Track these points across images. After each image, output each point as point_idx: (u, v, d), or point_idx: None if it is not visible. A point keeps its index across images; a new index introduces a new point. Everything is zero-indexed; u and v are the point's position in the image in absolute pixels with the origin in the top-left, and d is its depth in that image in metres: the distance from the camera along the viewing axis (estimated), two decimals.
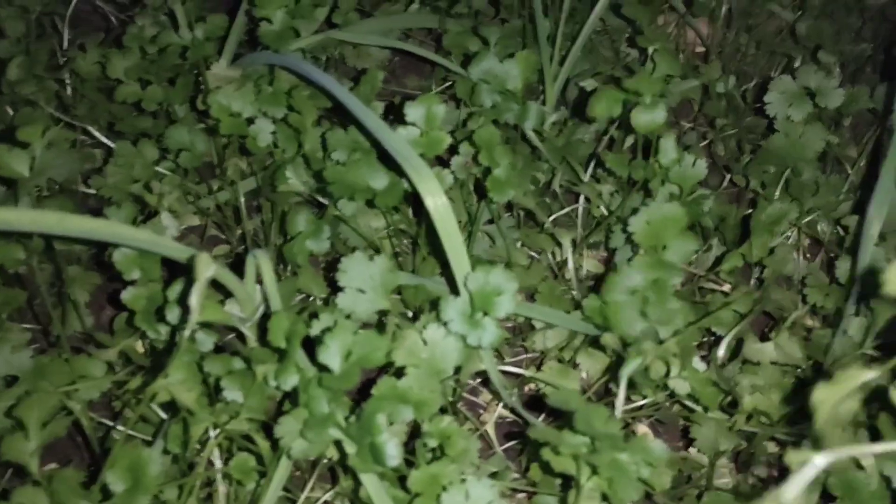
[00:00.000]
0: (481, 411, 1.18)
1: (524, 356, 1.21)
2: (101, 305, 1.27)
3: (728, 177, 1.41)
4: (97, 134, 1.29)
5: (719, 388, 0.90)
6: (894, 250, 1.12)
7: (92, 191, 1.28)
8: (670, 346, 0.88)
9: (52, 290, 1.19)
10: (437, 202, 0.87)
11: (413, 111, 0.98)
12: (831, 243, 1.26)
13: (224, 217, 1.30)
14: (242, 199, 1.23)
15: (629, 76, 1.08)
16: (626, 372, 0.83)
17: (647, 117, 0.99)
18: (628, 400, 1.10)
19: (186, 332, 0.74)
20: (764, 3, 1.63)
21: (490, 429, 1.14)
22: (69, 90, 1.37)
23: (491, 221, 1.23)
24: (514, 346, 1.23)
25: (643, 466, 0.76)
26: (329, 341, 0.76)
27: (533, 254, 1.29)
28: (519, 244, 1.29)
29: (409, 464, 0.90)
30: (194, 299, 0.72)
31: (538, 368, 1.11)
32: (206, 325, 0.92)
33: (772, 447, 1.08)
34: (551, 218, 1.31)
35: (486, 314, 0.87)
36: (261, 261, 0.91)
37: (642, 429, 1.12)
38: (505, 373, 1.14)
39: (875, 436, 0.88)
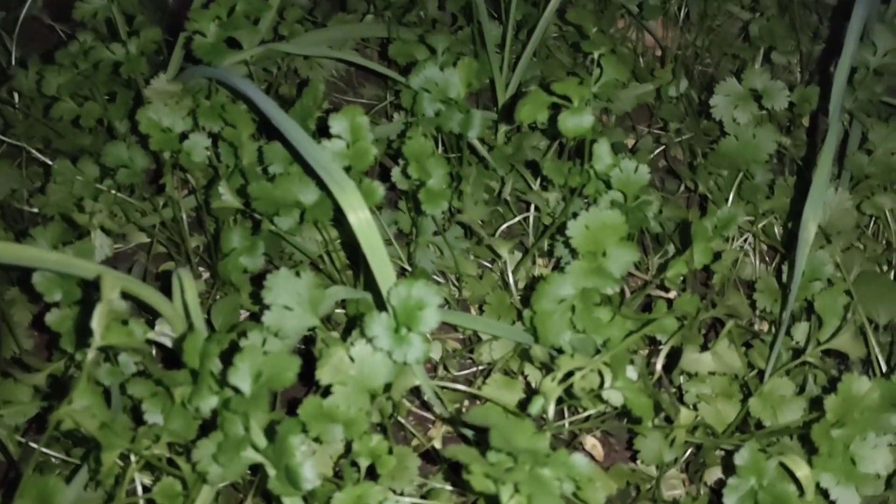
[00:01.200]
0: (430, 426, 1.16)
1: (473, 368, 1.19)
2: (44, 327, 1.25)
3: (684, 183, 1.39)
4: (34, 152, 1.27)
5: (654, 400, 0.88)
6: (840, 252, 1.10)
7: (36, 210, 1.27)
8: (600, 358, 0.86)
9: None
10: (359, 216, 0.85)
11: (337, 123, 0.96)
12: (787, 247, 1.24)
13: (170, 234, 1.28)
14: (184, 216, 1.21)
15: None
16: (548, 385, 0.81)
17: (574, 121, 0.97)
18: (575, 411, 1.08)
19: (90, 356, 0.72)
20: (721, 4, 1.62)
21: (438, 444, 1.12)
22: (15, 109, 1.36)
23: (437, 233, 1.21)
24: (464, 358, 1.21)
25: (566, 481, 0.73)
26: (239, 362, 0.74)
27: (486, 263, 1.27)
28: (472, 255, 1.27)
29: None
30: (96, 321, 0.70)
31: (485, 381, 1.09)
32: (129, 348, 0.90)
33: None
34: (504, 226, 1.29)
35: (410, 329, 0.84)
36: (184, 280, 0.89)
37: (590, 441, 1.10)
38: (450, 388, 1.12)
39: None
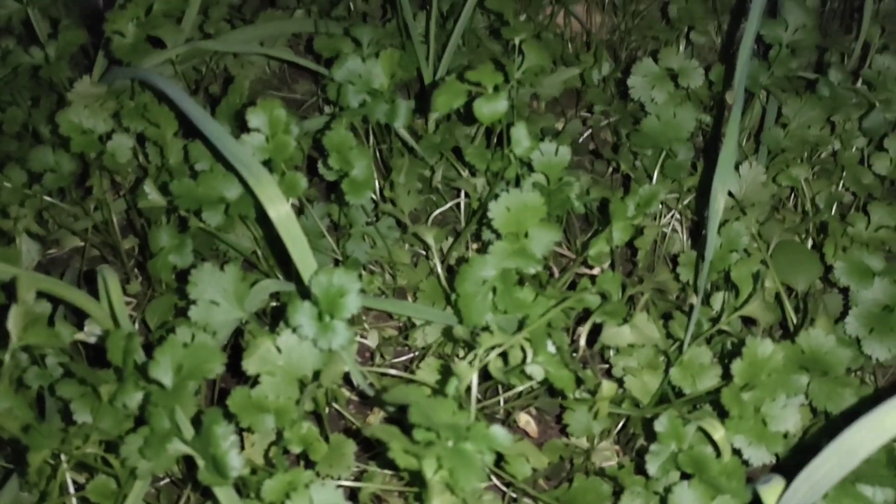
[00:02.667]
0: (369, 412, 1.18)
1: (410, 355, 1.21)
2: None
3: (612, 164, 1.42)
4: None
5: (574, 373, 0.91)
6: (757, 224, 1.13)
7: None
8: (522, 334, 0.88)
9: None
10: (278, 209, 0.86)
11: (255, 117, 0.97)
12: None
13: (104, 237, 1.27)
14: (114, 218, 1.21)
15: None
16: (462, 366, 0.83)
17: (490, 107, 0.99)
18: (508, 389, 1.11)
19: (7, 358, 0.72)
20: None
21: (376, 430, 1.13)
22: None
23: (369, 223, 1.23)
24: (400, 345, 1.22)
25: (487, 454, 0.76)
26: (159, 356, 0.75)
27: (420, 251, 1.29)
28: (407, 245, 1.29)
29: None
30: (11, 322, 0.70)
31: (418, 366, 1.11)
32: (56, 349, 0.90)
33: None
34: (436, 213, 1.31)
35: (332, 316, 0.86)
36: (108, 279, 0.90)
37: (524, 418, 1.12)
38: (386, 374, 1.14)
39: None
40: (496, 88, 0.99)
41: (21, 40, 1.27)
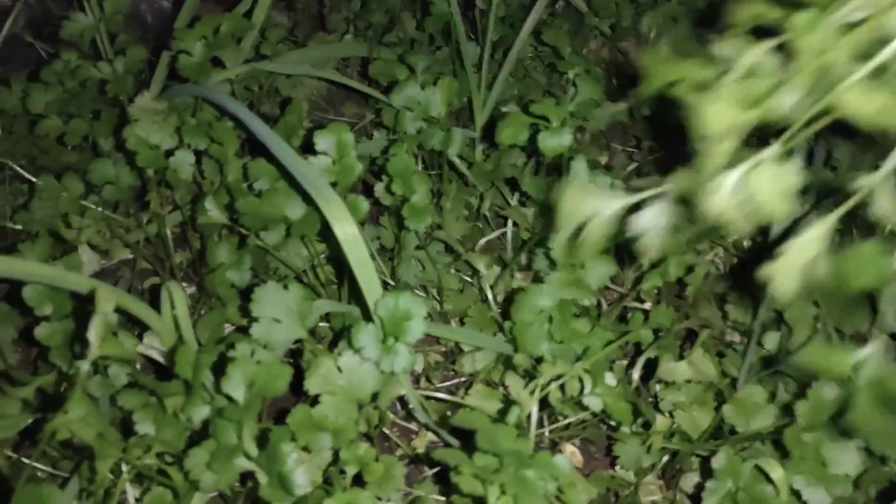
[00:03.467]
0: (413, 437, 1.18)
1: (456, 380, 1.22)
2: (32, 342, 1.26)
3: None
4: (18, 169, 1.28)
5: (633, 405, 0.91)
6: None
7: (19, 227, 1.28)
8: (580, 365, 0.89)
9: None
10: (346, 231, 0.87)
11: (323, 140, 0.99)
12: (757, 261, 1.28)
13: (154, 250, 1.29)
14: (169, 232, 1.22)
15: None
16: (524, 395, 0.84)
17: (553, 141, 1.01)
18: (555, 420, 1.11)
19: (85, 367, 0.73)
20: (692, 26, 1.66)
21: (422, 453, 1.14)
22: None
23: (419, 248, 1.24)
24: (447, 370, 1.23)
25: (550, 482, 0.76)
26: (232, 372, 0.76)
27: (466, 278, 1.30)
28: (453, 269, 1.30)
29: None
30: (92, 333, 0.71)
31: (467, 392, 1.12)
32: (119, 360, 0.91)
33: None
34: (483, 241, 1.32)
35: (397, 339, 0.87)
36: (174, 293, 0.91)
37: (569, 448, 1.12)
38: (434, 398, 1.14)
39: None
40: (560, 122, 1.00)
41: (81, 56, 1.30)
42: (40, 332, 0.95)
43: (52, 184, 1.20)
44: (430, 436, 1.15)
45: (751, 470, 0.88)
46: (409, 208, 1.04)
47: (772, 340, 1.06)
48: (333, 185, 0.97)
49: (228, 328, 1.21)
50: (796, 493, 0.87)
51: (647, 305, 1.14)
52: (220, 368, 0.84)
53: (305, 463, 0.83)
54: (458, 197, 1.31)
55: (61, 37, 1.18)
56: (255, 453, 0.80)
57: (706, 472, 1.04)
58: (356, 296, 0.93)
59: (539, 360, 0.99)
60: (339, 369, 0.89)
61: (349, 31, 1.62)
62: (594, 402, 0.90)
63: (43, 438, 0.75)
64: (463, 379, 1.21)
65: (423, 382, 1.21)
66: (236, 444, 0.77)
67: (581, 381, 0.91)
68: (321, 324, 1.19)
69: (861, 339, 1.16)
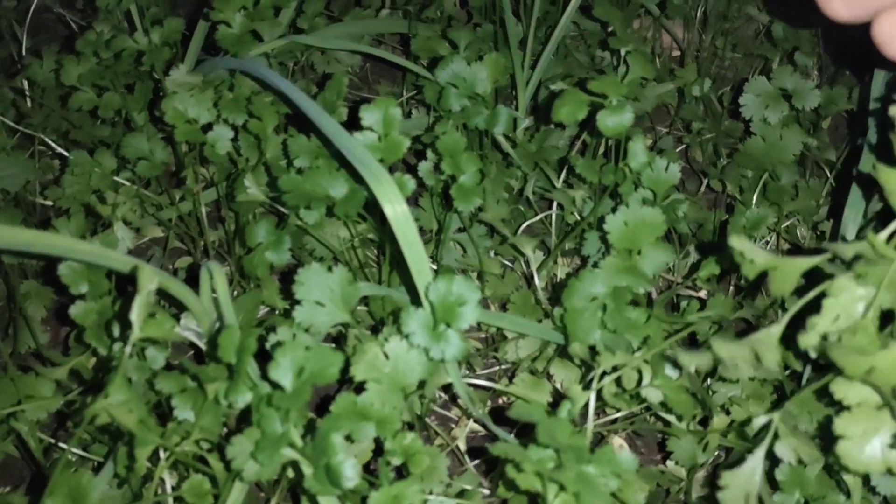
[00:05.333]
0: (453, 426, 1.14)
1: (497, 367, 1.18)
2: (63, 320, 1.23)
3: (706, 182, 1.38)
4: (51, 143, 1.24)
5: (694, 397, 0.87)
6: None
7: (49, 202, 1.24)
8: (640, 355, 0.84)
9: (7, 307, 1.15)
10: (396, 210, 0.83)
11: (369, 115, 0.95)
12: (810, 248, 1.23)
13: (187, 228, 1.25)
14: (203, 210, 1.19)
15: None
16: (576, 390, 0.80)
17: (614, 120, 0.95)
18: (604, 413, 1.07)
19: (127, 349, 0.70)
20: (741, 6, 1.61)
21: (462, 444, 1.10)
22: (28, 99, 1.33)
23: (461, 230, 1.19)
24: (487, 357, 1.19)
25: (611, 478, 0.72)
26: (280, 357, 0.72)
27: (507, 262, 1.26)
28: (492, 253, 1.25)
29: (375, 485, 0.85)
30: (135, 313, 0.68)
31: (510, 380, 1.07)
32: (157, 342, 0.88)
33: None
34: (525, 224, 1.27)
35: (448, 326, 0.83)
36: (214, 273, 0.87)
37: (618, 441, 1.08)
38: (476, 386, 1.10)
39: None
40: (621, 100, 0.95)
41: (114, 27, 1.26)
42: (75, 311, 0.91)
43: (85, 158, 1.17)
44: (471, 425, 1.11)
45: (817, 475, 0.83)
46: (458, 189, 1.00)
47: None
48: (380, 161, 0.93)
49: (263, 311, 1.17)
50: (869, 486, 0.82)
51: (703, 294, 1.10)
52: (259, 352, 0.81)
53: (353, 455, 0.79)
54: (498, 178, 1.26)
55: (97, 5, 1.14)
56: (300, 444, 0.76)
57: None
58: (404, 278, 0.89)
59: (592, 350, 0.94)
60: (386, 356, 0.84)
61: (385, 7, 1.57)
62: (653, 395, 0.86)
63: (82, 423, 0.72)
64: (504, 367, 1.16)
65: (463, 370, 1.17)
66: (283, 433, 0.73)
67: (640, 372, 0.86)
68: (359, 307, 1.15)
69: None
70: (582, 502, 0.70)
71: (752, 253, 0.68)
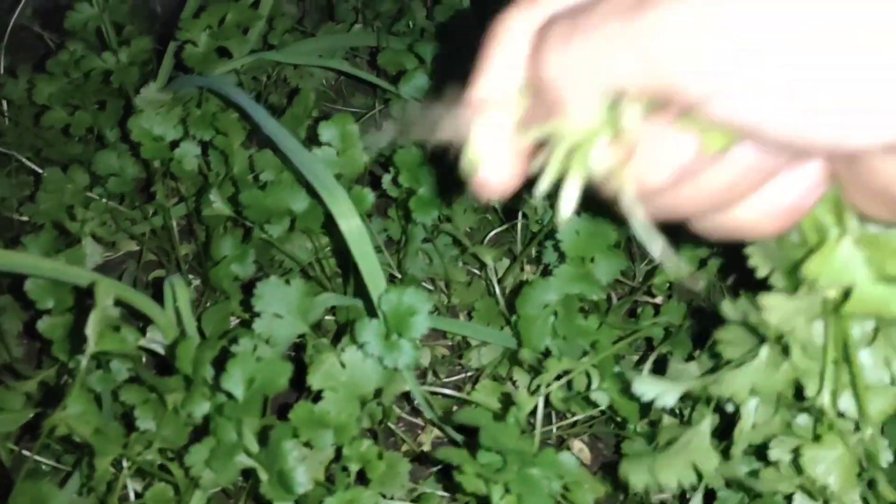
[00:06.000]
0: (420, 432, 1.17)
1: (463, 374, 1.20)
2: (36, 336, 1.26)
3: None
4: (24, 160, 1.27)
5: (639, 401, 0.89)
6: None
7: (25, 218, 1.27)
8: (588, 360, 0.87)
9: None
10: (350, 223, 0.86)
11: (327, 131, 0.98)
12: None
13: (160, 242, 1.28)
14: (174, 224, 1.21)
15: None
16: (523, 396, 0.82)
17: None
18: (564, 416, 1.09)
19: (83, 363, 0.72)
20: None
21: (428, 448, 1.13)
22: (5, 118, 1.36)
23: (427, 240, 1.22)
24: (454, 364, 1.22)
25: (555, 480, 0.75)
26: (231, 368, 0.75)
27: (474, 271, 1.28)
28: (460, 262, 1.28)
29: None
30: (90, 328, 0.70)
31: (474, 386, 1.10)
32: (118, 354, 0.90)
33: None
34: (492, 234, 1.30)
35: (401, 335, 0.85)
36: (177, 287, 0.90)
37: (577, 445, 1.11)
38: (440, 393, 1.13)
39: None
40: None
41: (87, 46, 1.29)
42: (42, 325, 0.94)
43: (58, 175, 1.20)
44: (437, 432, 1.14)
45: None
46: (417, 201, 1.03)
47: None
48: (338, 176, 0.96)
49: (234, 321, 1.20)
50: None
51: (659, 300, 1.12)
52: (222, 363, 0.83)
53: (307, 460, 0.82)
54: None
55: (66, 27, 1.17)
56: (256, 450, 0.78)
57: None
58: (361, 290, 0.91)
59: (547, 355, 0.97)
60: (342, 365, 0.87)
61: (358, 21, 1.60)
62: (601, 398, 0.89)
63: (42, 435, 0.75)
64: (470, 374, 1.19)
65: (430, 377, 1.19)
66: (236, 441, 0.75)
67: (589, 376, 0.89)
68: (327, 317, 1.18)
69: None
70: (524, 502, 0.73)
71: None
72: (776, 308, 0.60)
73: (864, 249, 0.48)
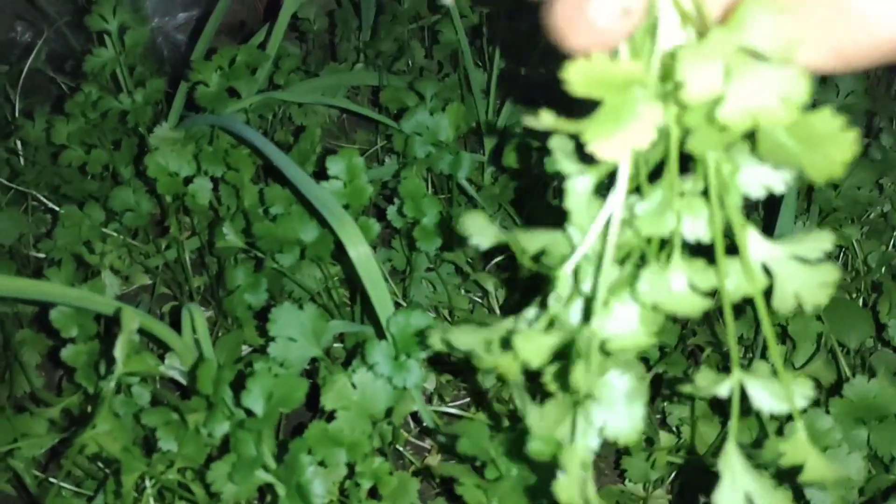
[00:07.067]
0: (426, 454, 1.21)
1: (467, 399, 1.24)
2: (56, 364, 1.30)
3: None
4: (42, 198, 1.32)
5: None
6: None
7: (41, 255, 1.32)
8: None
9: (2, 354, 1.22)
10: (359, 251, 0.91)
11: (334, 165, 1.03)
12: None
13: (173, 275, 1.33)
14: (187, 257, 1.26)
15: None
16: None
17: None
18: None
19: (111, 384, 0.77)
20: None
21: (434, 470, 1.16)
22: (21, 158, 1.41)
23: (431, 269, 1.27)
24: (458, 388, 1.26)
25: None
26: (251, 385, 0.79)
27: (476, 299, 1.33)
28: (463, 290, 1.33)
29: None
30: (118, 350, 0.75)
31: (478, 408, 1.14)
32: (142, 379, 0.95)
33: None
34: (491, 263, 1.35)
35: (409, 356, 0.90)
36: (194, 314, 0.95)
37: None
38: (446, 413, 1.17)
39: None
40: None
41: (101, 88, 1.34)
42: (66, 353, 0.98)
43: (75, 212, 1.25)
44: (442, 454, 1.18)
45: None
46: (420, 230, 1.08)
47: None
48: (345, 207, 1.01)
49: (245, 350, 1.24)
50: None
51: None
52: (238, 386, 0.88)
53: (321, 478, 0.86)
54: None
55: (84, 70, 1.23)
56: (273, 466, 0.83)
57: (713, 486, 1.05)
58: (369, 314, 0.96)
59: None
60: (354, 385, 0.92)
61: (359, 60, 1.67)
62: None
63: (71, 453, 0.79)
64: (473, 397, 1.23)
65: (435, 401, 1.24)
66: (256, 455, 0.80)
67: None
68: (335, 344, 1.22)
69: (866, 353, 1.18)
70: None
71: None
72: None
73: None
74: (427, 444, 1.22)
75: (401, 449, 1.17)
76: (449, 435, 0.84)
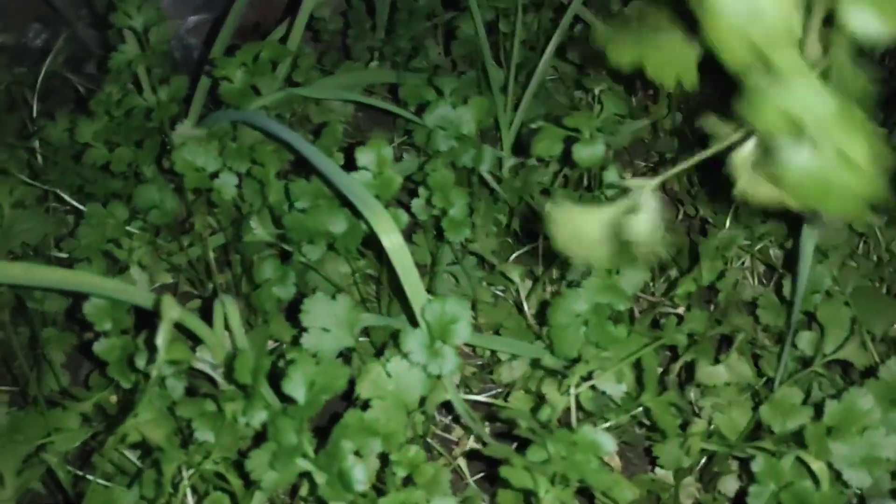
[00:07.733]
0: (454, 447, 1.21)
1: (494, 391, 1.25)
2: (78, 364, 1.30)
3: (682, 210, 1.47)
4: (67, 197, 1.33)
5: (677, 408, 0.94)
6: (837, 267, 1.17)
7: (64, 255, 1.32)
8: (616, 363, 0.92)
9: (30, 352, 1.22)
10: (392, 240, 0.91)
11: (364, 156, 1.03)
12: (784, 267, 1.31)
13: (196, 273, 1.33)
14: (211, 253, 1.26)
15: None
16: (555, 395, 0.87)
17: (588, 151, 1.04)
18: (593, 424, 1.14)
19: (154, 371, 0.77)
20: None
21: (462, 462, 1.17)
22: (39, 158, 1.42)
23: (454, 263, 1.27)
24: (484, 380, 1.26)
25: (593, 460, 0.79)
26: (293, 373, 0.79)
27: (498, 292, 1.33)
28: (485, 283, 1.33)
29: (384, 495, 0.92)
30: (160, 338, 0.75)
31: (506, 400, 1.14)
32: (176, 371, 0.95)
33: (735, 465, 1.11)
34: (514, 255, 1.35)
35: (444, 342, 0.90)
36: (227, 306, 0.95)
37: None
38: (474, 402, 1.17)
39: None
40: (593, 133, 1.04)
41: (122, 87, 1.35)
42: (99, 347, 0.98)
43: (99, 210, 1.25)
44: (471, 444, 1.18)
45: (790, 468, 0.90)
46: (449, 221, 1.08)
47: (805, 341, 1.09)
48: (376, 197, 1.01)
49: (271, 345, 1.24)
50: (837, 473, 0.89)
51: (680, 311, 1.17)
52: (271, 378, 0.88)
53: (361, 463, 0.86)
54: (487, 213, 1.35)
55: (109, 67, 1.23)
56: (312, 455, 0.83)
57: (744, 472, 1.06)
58: (402, 304, 0.96)
59: (574, 363, 1.02)
60: (388, 374, 0.92)
61: (373, 59, 1.67)
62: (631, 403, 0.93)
63: (113, 442, 0.79)
64: (500, 389, 1.23)
65: (461, 392, 1.24)
66: (297, 442, 0.80)
67: (620, 378, 0.94)
68: (361, 338, 1.22)
69: (889, 340, 1.19)
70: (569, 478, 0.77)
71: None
72: None
73: None
74: (453, 436, 1.22)
75: (429, 441, 1.17)
76: (501, 419, 0.84)
